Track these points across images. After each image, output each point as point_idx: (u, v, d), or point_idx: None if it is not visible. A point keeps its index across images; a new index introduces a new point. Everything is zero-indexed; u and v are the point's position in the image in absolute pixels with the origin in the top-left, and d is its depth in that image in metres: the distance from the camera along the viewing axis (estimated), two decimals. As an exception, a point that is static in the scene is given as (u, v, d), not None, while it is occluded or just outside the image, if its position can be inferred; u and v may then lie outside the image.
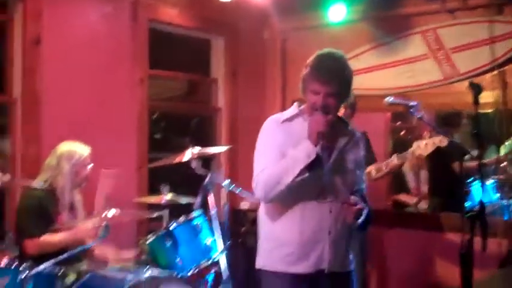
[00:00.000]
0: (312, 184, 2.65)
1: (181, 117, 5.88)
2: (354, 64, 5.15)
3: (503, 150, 4.89)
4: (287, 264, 2.71)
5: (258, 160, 2.75)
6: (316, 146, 2.59)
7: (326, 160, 2.70)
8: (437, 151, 5.23)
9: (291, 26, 5.79)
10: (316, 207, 2.68)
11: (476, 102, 2.88)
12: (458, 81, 4.81)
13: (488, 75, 4.70)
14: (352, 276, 2.83)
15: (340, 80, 2.67)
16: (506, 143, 5.39)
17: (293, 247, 2.70)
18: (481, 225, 2.61)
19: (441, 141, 3.93)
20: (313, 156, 2.58)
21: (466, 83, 4.67)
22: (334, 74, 2.65)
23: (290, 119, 2.79)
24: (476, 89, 2.88)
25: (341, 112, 4.32)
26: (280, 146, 2.69)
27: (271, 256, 2.76)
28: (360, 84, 5.40)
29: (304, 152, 2.59)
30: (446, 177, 5.35)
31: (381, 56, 5.27)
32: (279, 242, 2.73)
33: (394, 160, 4.12)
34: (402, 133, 7.37)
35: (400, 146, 6.02)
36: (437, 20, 4.97)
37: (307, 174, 2.59)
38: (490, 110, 4.73)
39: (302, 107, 2.80)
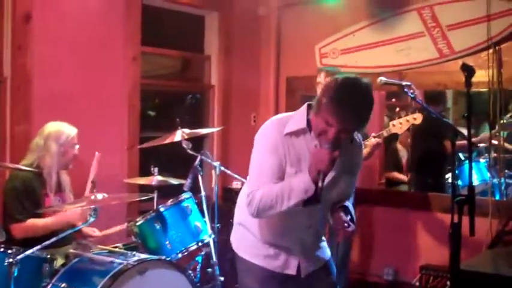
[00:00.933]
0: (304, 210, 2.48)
1: (175, 94, 5.83)
2: (349, 41, 5.28)
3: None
4: (255, 257, 2.66)
5: (254, 170, 2.53)
6: (315, 183, 2.35)
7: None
8: (425, 129, 5.28)
9: (286, 2, 5.72)
10: (297, 221, 2.56)
11: (468, 84, 2.81)
12: (454, 59, 4.77)
13: (483, 54, 4.65)
14: (329, 264, 2.78)
15: (360, 120, 2.39)
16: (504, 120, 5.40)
17: (261, 244, 2.64)
18: (469, 210, 2.59)
19: (415, 119, 3.97)
20: (310, 193, 2.36)
21: (460, 62, 4.67)
22: (356, 114, 2.35)
23: (295, 134, 2.50)
24: (469, 71, 2.80)
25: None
26: (280, 158, 2.48)
27: (242, 242, 2.73)
28: (356, 62, 5.42)
29: (302, 186, 2.37)
30: (432, 155, 5.38)
31: (377, 34, 5.21)
32: (250, 233, 2.68)
33: (371, 140, 4.14)
34: (397, 110, 7.37)
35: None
36: (433, -4, 4.90)
37: (301, 207, 2.42)
38: (485, 89, 4.69)
39: (311, 115, 2.49)
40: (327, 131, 2.36)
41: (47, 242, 3.01)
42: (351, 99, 2.33)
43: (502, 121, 4.83)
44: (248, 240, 2.69)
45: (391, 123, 4.08)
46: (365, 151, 4.26)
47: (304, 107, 2.55)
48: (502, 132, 4.97)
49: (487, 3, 4.55)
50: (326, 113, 2.34)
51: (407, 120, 4.00)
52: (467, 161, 5.47)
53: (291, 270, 2.64)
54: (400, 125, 4.01)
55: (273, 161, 2.47)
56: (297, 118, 2.53)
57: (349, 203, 2.65)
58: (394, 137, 6.22)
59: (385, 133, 4.08)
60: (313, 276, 2.69)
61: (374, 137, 4.15)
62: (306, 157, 2.46)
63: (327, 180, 2.40)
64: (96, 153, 3.68)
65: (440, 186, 5.30)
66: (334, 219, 2.54)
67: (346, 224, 2.48)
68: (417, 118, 3.99)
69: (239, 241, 2.75)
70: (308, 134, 2.50)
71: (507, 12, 4.51)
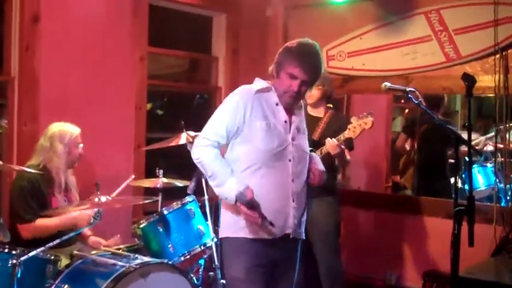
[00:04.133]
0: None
1: (182, 95, 5.86)
2: (356, 44, 5.28)
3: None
4: (251, 233, 2.80)
5: (212, 119, 2.89)
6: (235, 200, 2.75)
7: (287, 132, 2.89)
8: (430, 134, 5.28)
9: (293, 4, 5.72)
10: (279, 178, 2.81)
11: (469, 94, 2.81)
12: (460, 64, 4.74)
13: (490, 59, 4.63)
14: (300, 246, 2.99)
15: (318, 72, 2.87)
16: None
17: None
18: (468, 221, 2.59)
19: (366, 123, 3.96)
20: (229, 202, 2.79)
21: (467, 67, 4.67)
22: (315, 65, 2.84)
23: (262, 91, 2.88)
24: (470, 81, 2.80)
25: (315, 97, 4.30)
26: (235, 119, 2.81)
27: (235, 226, 2.85)
28: (363, 65, 5.41)
29: (226, 193, 2.78)
30: (437, 160, 5.38)
31: (383, 37, 5.19)
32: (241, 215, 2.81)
33: (329, 143, 4.04)
34: (406, 112, 7.37)
35: (411, 125, 6.04)
36: (441, 0, 4.88)
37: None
38: (491, 94, 4.68)
39: (269, 83, 2.93)
40: (291, 85, 2.80)
41: (51, 244, 3.05)
42: (312, 51, 2.84)
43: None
44: (242, 220, 2.82)
45: (348, 126, 4.05)
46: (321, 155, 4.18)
47: (257, 79, 2.97)
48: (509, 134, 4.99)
49: (494, 8, 4.52)
50: (289, 65, 2.79)
51: (360, 125, 3.99)
52: (474, 166, 5.50)
53: (289, 229, 2.85)
54: (354, 129, 4.00)
55: (227, 119, 2.83)
56: (259, 82, 2.94)
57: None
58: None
59: (342, 137, 4.04)
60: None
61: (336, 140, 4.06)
62: (271, 112, 2.86)
63: (292, 130, 2.88)
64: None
65: (445, 191, 5.30)
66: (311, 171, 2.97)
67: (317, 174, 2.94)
68: (367, 123, 3.98)
69: (231, 226, 2.88)
70: (272, 92, 2.89)
71: (514, 18, 4.49)
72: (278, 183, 2.82)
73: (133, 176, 4.07)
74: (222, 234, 2.91)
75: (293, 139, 2.89)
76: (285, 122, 2.88)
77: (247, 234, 2.80)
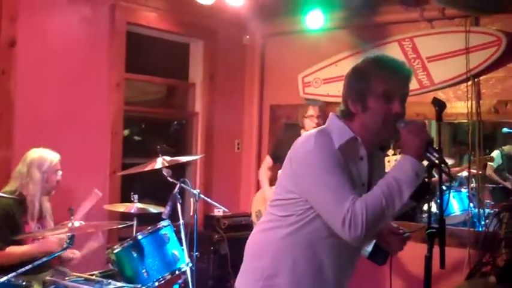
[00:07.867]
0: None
1: (160, 120, 5.87)
2: (332, 71, 5.35)
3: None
4: None
5: (329, 194, 2.05)
6: (421, 161, 2.01)
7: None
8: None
9: (270, 32, 5.81)
10: (340, 259, 2.23)
11: (439, 119, 2.84)
12: (433, 90, 4.83)
13: (463, 85, 4.73)
14: None
15: (411, 77, 2.22)
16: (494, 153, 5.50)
17: None
18: (440, 243, 2.61)
19: None
20: (422, 175, 2.01)
21: (440, 93, 4.76)
22: (407, 71, 2.20)
23: (347, 146, 2.13)
24: (440, 106, 2.83)
25: (315, 122, 4.38)
26: (347, 174, 2.09)
27: None
28: (338, 91, 5.37)
29: (409, 169, 1.99)
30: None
31: (358, 64, 5.26)
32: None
33: None
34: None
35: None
36: (414, 28, 4.99)
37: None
38: (464, 120, 4.76)
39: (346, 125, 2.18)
40: (390, 108, 2.12)
41: (23, 269, 3.01)
42: (389, 58, 2.21)
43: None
44: None
45: (387, 159, 4.06)
46: None
47: (333, 117, 2.23)
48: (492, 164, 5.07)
49: (466, 36, 4.63)
50: (382, 84, 2.11)
51: (395, 160, 4.03)
52: (448, 191, 5.53)
53: None
54: (389, 163, 4.03)
55: (345, 177, 2.08)
56: (338, 129, 2.17)
57: None
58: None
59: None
60: None
61: None
62: (356, 171, 2.17)
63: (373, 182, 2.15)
64: (96, 190, 3.70)
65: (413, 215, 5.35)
66: (385, 230, 2.33)
67: (401, 230, 2.31)
68: None
69: None
70: (357, 143, 2.17)
71: (485, 45, 4.58)
72: (346, 259, 2.26)
73: (100, 194, 3.91)
74: None
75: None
76: (363, 185, 2.18)
77: None
